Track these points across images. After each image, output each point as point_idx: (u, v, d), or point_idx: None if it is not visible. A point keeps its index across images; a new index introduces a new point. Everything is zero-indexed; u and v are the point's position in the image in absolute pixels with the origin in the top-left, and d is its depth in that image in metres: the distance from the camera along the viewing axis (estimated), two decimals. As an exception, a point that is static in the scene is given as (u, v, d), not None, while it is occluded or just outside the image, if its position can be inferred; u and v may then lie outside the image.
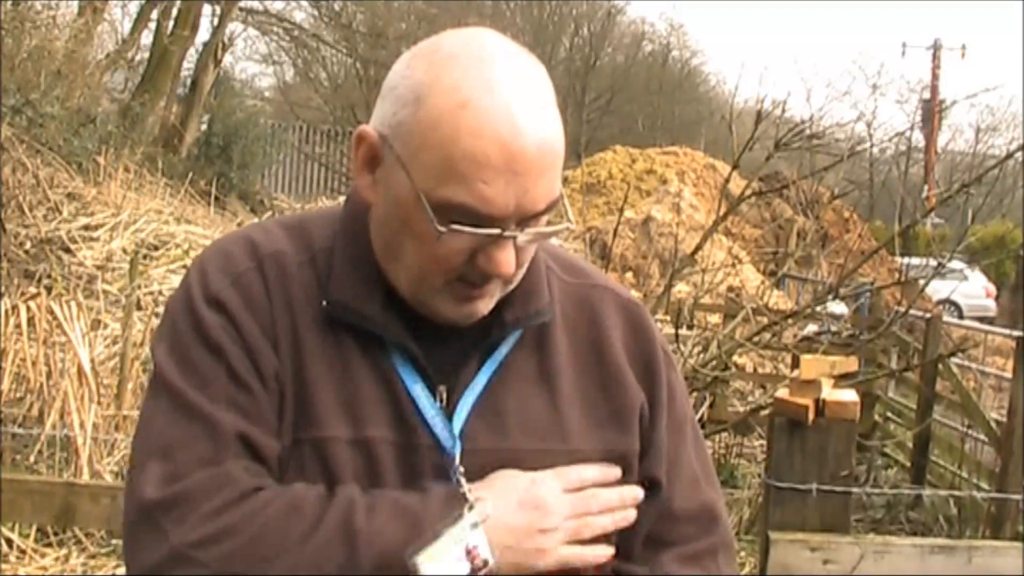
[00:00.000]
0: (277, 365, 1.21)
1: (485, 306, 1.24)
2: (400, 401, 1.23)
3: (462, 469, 1.23)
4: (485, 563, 1.22)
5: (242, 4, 19.57)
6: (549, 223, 1.24)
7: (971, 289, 22.55)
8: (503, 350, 1.28)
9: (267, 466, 1.19)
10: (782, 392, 2.60)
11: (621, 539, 1.31)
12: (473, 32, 1.22)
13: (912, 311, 7.54)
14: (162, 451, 1.19)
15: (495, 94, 1.14)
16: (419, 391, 1.24)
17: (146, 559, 1.17)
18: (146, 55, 17.27)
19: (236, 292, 1.23)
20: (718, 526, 1.37)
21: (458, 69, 1.15)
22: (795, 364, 5.79)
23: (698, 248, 6.49)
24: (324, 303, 1.24)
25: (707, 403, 9.21)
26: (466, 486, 1.22)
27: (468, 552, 1.23)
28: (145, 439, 1.22)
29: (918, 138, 32.66)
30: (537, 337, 1.30)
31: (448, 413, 1.24)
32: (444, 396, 1.25)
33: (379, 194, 1.22)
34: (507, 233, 1.17)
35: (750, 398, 9.95)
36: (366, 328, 1.23)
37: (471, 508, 1.21)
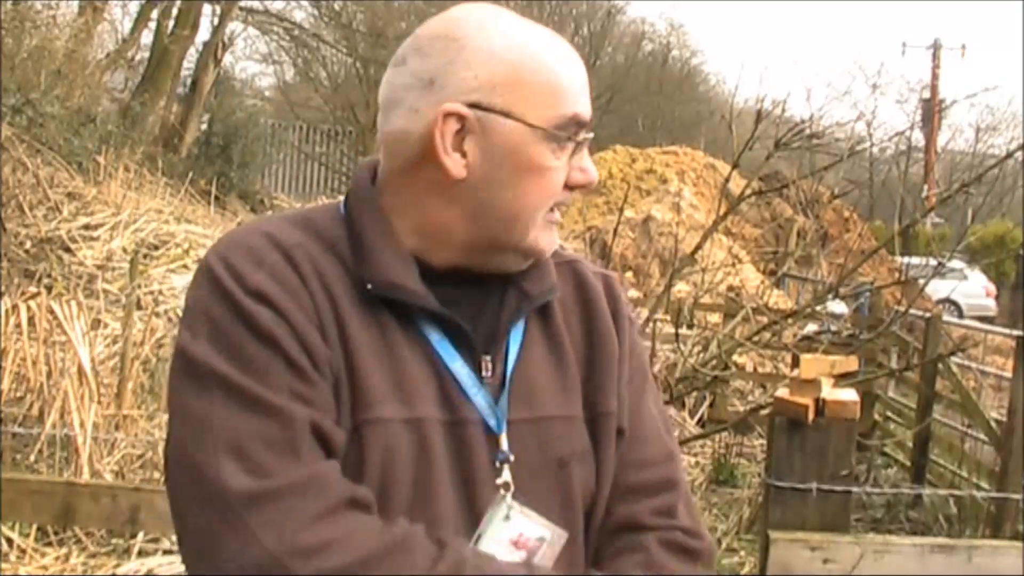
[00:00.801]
0: (328, 352, 1.21)
1: (556, 237, 1.35)
2: (443, 378, 1.26)
3: (506, 446, 1.27)
4: (542, 540, 1.27)
5: (242, 4, 19.57)
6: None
7: (971, 289, 22.54)
8: (521, 323, 1.34)
9: (336, 456, 1.19)
10: (782, 392, 2.60)
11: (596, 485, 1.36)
12: (458, 9, 1.32)
13: (912, 311, 7.55)
14: (234, 447, 1.15)
15: (539, 35, 1.31)
16: (459, 367, 1.27)
17: (236, 561, 1.12)
18: (146, 55, 17.27)
19: (275, 283, 1.22)
20: (679, 475, 1.42)
21: (508, 26, 1.29)
22: (795, 364, 5.80)
23: (698, 248, 6.49)
24: (368, 286, 1.25)
25: (707, 403, 9.23)
26: (505, 475, 1.26)
27: (515, 543, 1.26)
28: (205, 437, 1.16)
29: (918, 138, 32.68)
30: (540, 309, 1.37)
31: (495, 386, 1.29)
32: (491, 368, 1.30)
33: (474, 163, 1.27)
34: (587, 137, 1.31)
35: (750, 398, 9.96)
36: (412, 305, 1.27)
37: (500, 502, 1.26)
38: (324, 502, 1.14)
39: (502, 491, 1.26)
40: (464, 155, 1.26)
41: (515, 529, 1.26)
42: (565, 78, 1.29)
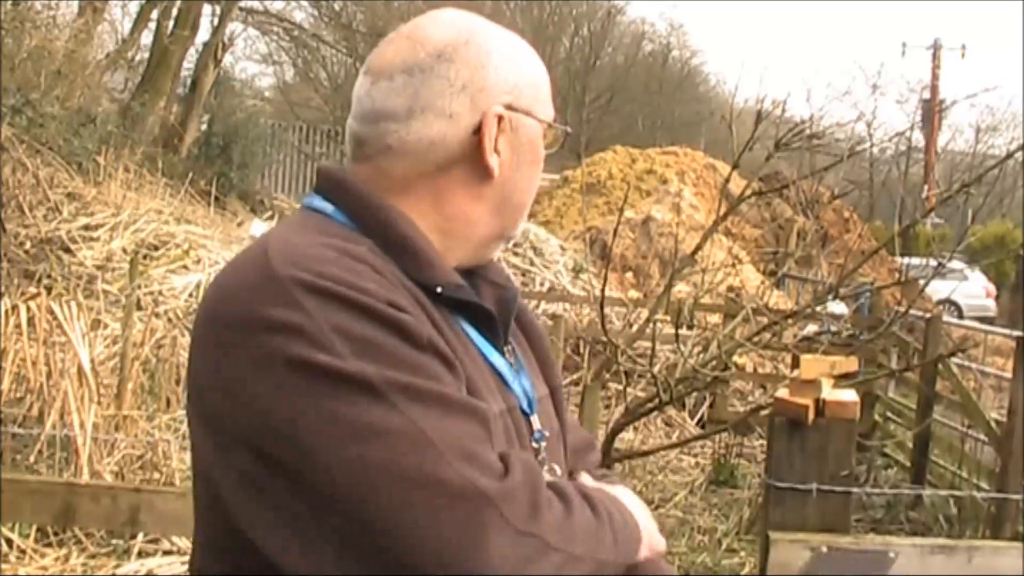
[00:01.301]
0: (451, 354, 1.22)
1: None
2: (488, 371, 1.33)
3: (539, 425, 1.39)
4: None
5: (242, 4, 19.58)
6: None
7: (971, 289, 22.55)
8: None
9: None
10: (782, 392, 2.60)
11: None
12: (454, 16, 1.39)
13: (912, 311, 7.54)
14: (462, 451, 1.12)
15: (510, 36, 1.42)
16: (497, 359, 1.35)
17: (505, 554, 1.11)
18: (146, 55, 17.29)
19: (390, 291, 1.19)
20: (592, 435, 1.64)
21: (499, 32, 1.41)
22: (795, 364, 5.79)
23: (698, 248, 6.48)
24: (438, 290, 1.27)
25: (707, 403, 9.24)
26: (543, 452, 1.37)
27: None
28: (427, 448, 1.11)
29: (918, 138, 32.64)
30: None
31: (520, 371, 1.40)
32: (514, 357, 1.40)
33: (504, 161, 1.36)
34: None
35: (750, 398, 9.96)
36: (469, 304, 1.32)
37: (552, 476, 1.34)
38: (543, 482, 1.20)
39: (545, 467, 1.36)
40: (499, 154, 1.35)
41: None
42: (542, 78, 1.44)
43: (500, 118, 1.34)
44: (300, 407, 1.11)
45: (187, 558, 5.26)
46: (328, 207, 1.32)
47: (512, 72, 1.37)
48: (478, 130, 1.32)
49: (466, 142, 1.32)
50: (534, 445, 1.36)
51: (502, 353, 1.37)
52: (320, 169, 1.41)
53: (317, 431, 1.10)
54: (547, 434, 1.39)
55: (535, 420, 1.38)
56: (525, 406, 1.37)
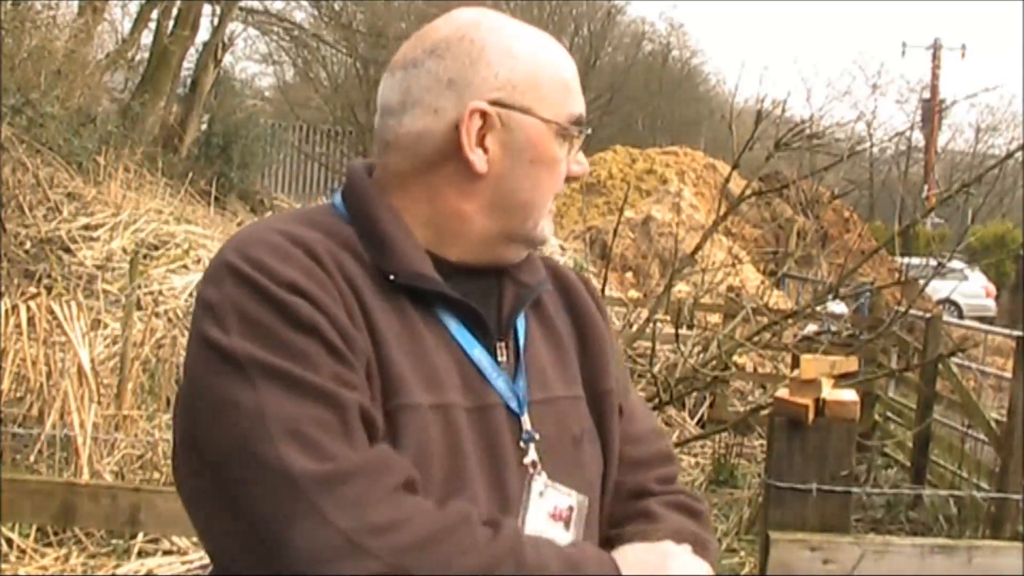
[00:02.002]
0: (361, 340, 1.24)
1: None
2: (464, 366, 1.32)
3: (529, 426, 1.34)
4: (571, 508, 1.35)
5: (242, 4, 19.57)
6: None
7: (971, 289, 22.54)
8: (523, 312, 1.42)
9: (378, 437, 1.22)
10: (782, 392, 2.60)
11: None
12: (461, 13, 1.38)
13: (912, 311, 7.54)
14: (292, 432, 1.16)
15: (538, 37, 1.41)
16: (478, 354, 1.33)
17: (310, 543, 1.14)
18: (146, 55, 17.27)
19: (304, 276, 1.24)
20: (671, 448, 1.57)
21: (504, 27, 1.37)
22: (795, 364, 5.80)
23: (698, 248, 6.49)
24: (391, 277, 1.30)
25: (707, 403, 9.23)
26: (532, 454, 1.33)
27: (553, 515, 1.34)
28: (261, 426, 1.16)
29: (918, 138, 32.65)
30: (533, 300, 1.45)
31: (511, 370, 1.36)
32: (506, 353, 1.36)
33: (494, 158, 1.34)
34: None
35: (750, 398, 9.95)
36: (434, 294, 1.32)
37: (534, 480, 1.33)
38: (389, 482, 1.17)
39: (530, 469, 1.33)
40: (486, 151, 1.33)
41: (550, 503, 1.34)
42: (571, 79, 1.39)
43: (484, 114, 1.32)
44: (199, 380, 1.23)
45: (187, 558, 5.24)
46: (337, 198, 1.40)
47: (506, 67, 1.34)
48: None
49: (449, 137, 1.32)
50: (521, 445, 1.33)
51: (490, 349, 1.34)
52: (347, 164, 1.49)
53: (202, 403, 1.22)
54: (538, 437, 1.34)
55: (525, 420, 1.34)
56: (513, 405, 1.34)
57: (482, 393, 1.32)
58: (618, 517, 1.44)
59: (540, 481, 1.33)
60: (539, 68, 1.36)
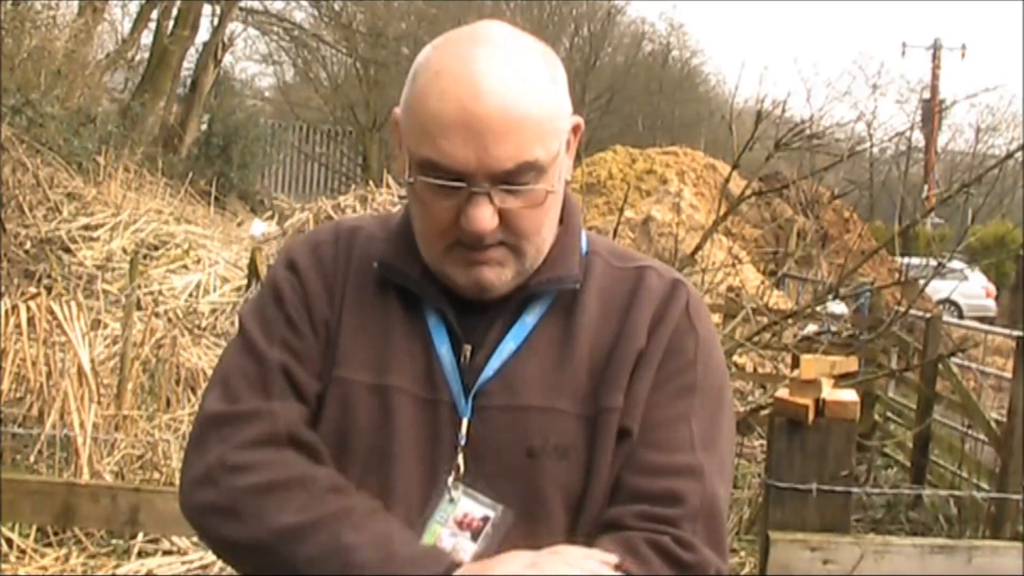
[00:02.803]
0: (329, 315, 1.38)
1: (496, 275, 1.33)
2: (430, 359, 1.35)
3: (464, 430, 1.32)
4: (486, 519, 1.31)
5: (242, 4, 19.59)
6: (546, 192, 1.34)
7: (971, 289, 22.53)
8: (531, 317, 1.37)
9: (305, 400, 1.35)
10: (782, 392, 2.60)
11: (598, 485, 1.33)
12: (483, 22, 1.37)
13: (912, 311, 7.54)
14: (223, 379, 1.37)
15: (467, 63, 1.29)
16: (444, 351, 1.36)
17: (192, 469, 1.34)
18: (146, 55, 17.29)
19: (310, 256, 1.41)
20: (689, 492, 1.31)
21: (449, 48, 1.32)
22: (795, 364, 5.79)
23: (698, 248, 6.49)
24: (375, 264, 1.39)
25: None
26: (458, 458, 1.32)
27: (460, 523, 1.30)
28: (215, 371, 1.41)
29: (918, 138, 32.61)
30: (567, 306, 1.38)
31: (471, 373, 1.34)
32: (468, 355, 1.35)
33: (403, 170, 1.37)
34: (475, 189, 1.28)
35: (750, 398, 9.95)
36: (408, 289, 1.38)
37: (448, 484, 1.31)
38: (264, 431, 1.31)
39: (451, 472, 1.32)
40: (413, 183, 1.35)
41: (460, 510, 1.32)
42: (435, 118, 1.28)
43: (395, 122, 1.36)
44: None
45: (187, 558, 5.23)
46: None
47: (407, 89, 1.33)
48: None
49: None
50: (458, 443, 1.32)
51: (454, 347, 1.35)
52: None
53: None
54: (469, 442, 1.31)
55: (464, 424, 1.32)
56: (461, 404, 1.33)
57: (437, 387, 1.34)
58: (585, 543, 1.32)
59: (450, 486, 1.31)
60: (414, 99, 1.30)
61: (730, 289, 9.94)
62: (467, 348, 1.35)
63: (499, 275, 1.33)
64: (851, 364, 3.01)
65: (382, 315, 1.37)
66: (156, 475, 5.54)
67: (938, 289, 13.27)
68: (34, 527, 4.89)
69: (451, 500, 1.31)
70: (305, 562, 1.24)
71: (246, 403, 1.33)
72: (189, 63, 18.17)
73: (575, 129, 1.39)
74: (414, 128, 1.30)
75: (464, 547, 1.30)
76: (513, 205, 1.30)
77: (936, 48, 36.05)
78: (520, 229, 1.32)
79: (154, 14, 16.84)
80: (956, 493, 6.39)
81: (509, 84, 1.28)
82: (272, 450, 1.30)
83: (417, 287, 1.37)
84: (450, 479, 1.32)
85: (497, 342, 1.35)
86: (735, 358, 7.63)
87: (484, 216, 1.28)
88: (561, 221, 1.41)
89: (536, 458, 1.31)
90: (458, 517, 1.31)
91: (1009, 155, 8.39)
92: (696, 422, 1.35)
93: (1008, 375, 6.96)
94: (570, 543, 1.29)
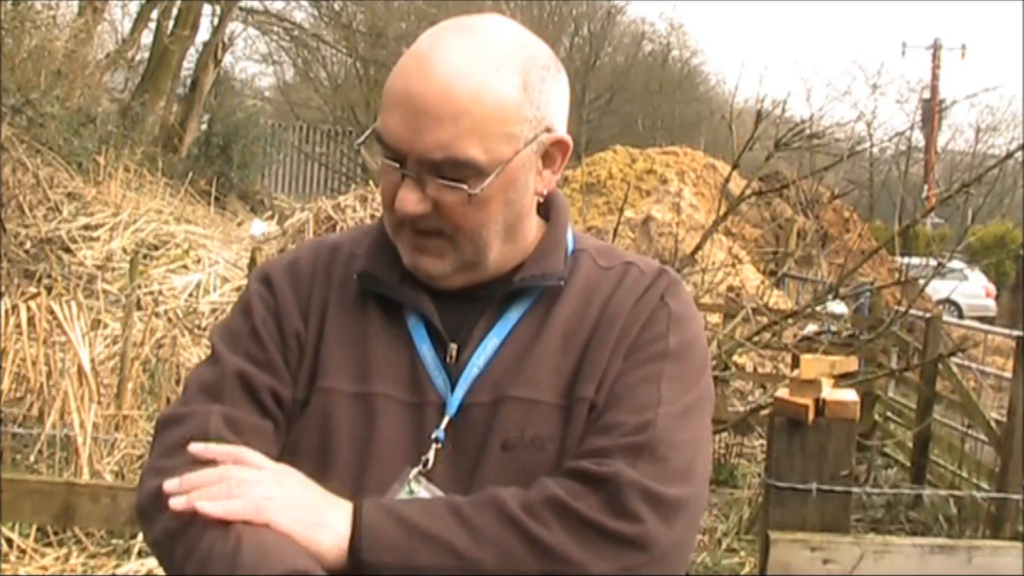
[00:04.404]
0: (301, 329, 1.38)
1: (433, 264, 1.34)
2: (413, 362, 1.35)
3: (443, 426, 1.31)
4: None
5: (242, 4, 19.58)
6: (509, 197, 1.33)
7: (971, 289, 22.54)
8: (514, 313, 1.37)
9: (263, 406, 1.34)
10: (782, 392, 2.60)
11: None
12: (486, 15, 1.35)
13: (912, 311, 7.54)
14: (183, 388, 1.40)
15: (434, 46, 1.28)
16: (426, 351, 1.35)
17: (144, 468, 1.36)
18: (146, 55, 17.29)
19: (286, 272, 1.42)
20: (648, 430, 1.26)
21: (435, 30, 1.31)
22: (795, 364, 5.79)
23: (698, 248, 6.49)
24: (354, 276, 1.39)
25: (707, 403, 9.20)
26: (431, 453, 1.31)
27: None
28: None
29: (918, 138, 32.61)
30: (550, 302, 1.37)
31: (456, 370, 1.34)
32: (454, 354, 1.35)
33: None
34: (404, 171, 1.28)
35: (750, 398, 9.95)
36: (386, 295, 1.37)
37: (410, 477, 1.30)
38: (190, 432, 1.30)
39: (409, 467, 1.30)
40: None
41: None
42: (388, 91, 1.29)
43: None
44: None
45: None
46: None
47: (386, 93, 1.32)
48: None
49: None
50: (433, 438, 1.31)
51: (441, 349, 1.34)
52: None
53: None
54: (437, 437, 1.30)
55: (444, 421, 1.31)
56: (448, 403, 1.32)
57: (423, 390, 1.34)
58: None
59: (415, 480, 1.29)
60: (390, 77, 1.31)
61: (730, 289, 9.94)
62: (453, 347, 1.34)
63: (436, 265, 1.33)
64: (851, 364, 3.01)
65: (363, 325, 1.37)
66: (156, 475, 5.52)
67: (938, 289, 13.28)
68: (34, 527, 4.89)
69: (410, 492, 1.29)
70: (181, 565, 1.22)
71: (190, 407, 1.34)
72: (189, 63, 18.18)
73: (558, 145, 1.35)
74: (384, 100, 1.31)
75: None
76: (447, 198, 1.29)
77: (936, 48, 36.05)
78: (455, 223, 1.30)
79: (154, 14, 16.84)
80: (956, 493, 6.39)
81: (461, 74, 1.25)
82: (183, 450, 1.29)
83: (396, 292, 1.36)
84: (413, 471, 1.29)
85: (481, 339, 1.35)
86: (735, 358, 7.62)
87: (409, 199, 1.28)
88: (548, 219, 1.42)
89: (511, 451, 1.29)
90: None
91: (1009, 155, 8.39)
92: (666, 385, 1.30)
93: (1008, 375, 6.96)
94: None
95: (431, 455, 1.31)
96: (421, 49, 1.28)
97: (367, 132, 1.38)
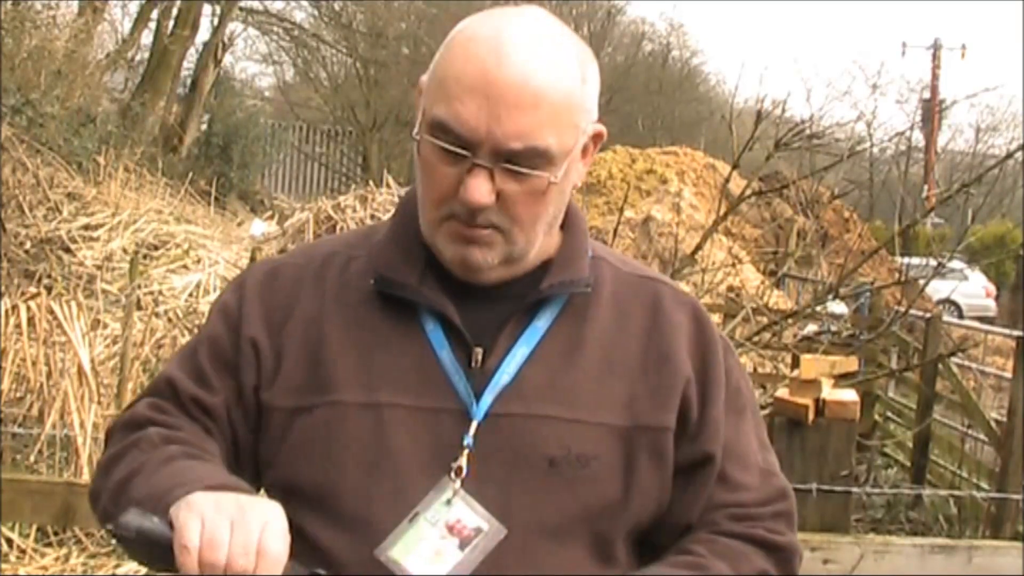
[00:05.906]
0: (259, 336, 1.34)
1: (483, 255, 1.29)
2: (429, 368, 1.30)
3: (472, 434, 1.27)
4: (478, 530, 1.25)
5: (242, 4, 19.59)
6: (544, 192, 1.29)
7: (971, 289, 22.52)
8: (543, 321, 1.33)
9: (182, 405, 1.35)
10: (782, 392, 2.61)
11: (678, 514, 1.35)
12: (528, 5, 1.33)
13: (912, 311, 7.54)
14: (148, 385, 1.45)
15: (501, 32, 1.24)
16: (445, 356, 1.30)
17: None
18: (146, 55, 17.30)
19: (263, 279, 1.39)
20: (782, 495, 1.40)
21: (489, 18, 1.28)
22: (795, 364, 5.79)
23: (698, 248, 6.49)
24: (372, 281, 1.33)
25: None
26: (462, 461, 1.27)
27: (450, 528, 1.25)
28: None
29: (918, 138, 32.61)
30: (579, 311, 1.35)
31: (481, 376, 1.29)
32: (480, 359, 1.30)
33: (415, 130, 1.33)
34: (477, 161, 1.23)
35: (750, 398, 9.93)
36: (404, 297, 1.32)
37: (446, 485, 1.26)
38: (129, 436, 1.33)
39: (451, 476, 1.27)
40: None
41: (454, 515, 1.26)
42: (456, 78, 1.24)
43: (419, 89, 1.31)
44: None
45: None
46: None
47: (437, 57, 1.29)
48: None
49: None
50: (464, 445, 1.28)
51: (464, 353, 1.30)
52: None
53: None
54: (469, 443, 1.27)
55: (472, 427, 1.27)
56: (471, 411, 1.28)
57: (440, 395, 1.29)
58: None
59: (451, 489, 1.26)
60: (444, 58, 1.26)
61: (730, 289, 9.94)
62: (478, 351, 1.30)
63: (485, 256, 1.29)
64: (851, 364, 3.02)
65: (370, 333, 1.32)
66: (156, 475, 5.52)
67: (938, 289, 13.26)
68: (34, 527, 4.89)
69: (447, 502, 1.26)
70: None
71: (132, 410, 1.39)
72: (189, 63, 18.19)
73: (596, 137, 1.35)
74: (435, 87, 1.26)
75: (448, 553, 1.25)
76: (513, 189, 1.26)
77: (936, 48, 36.03)
78: (515, 215, 1.27)
79: (154, 14, 16.84)
80: (956, 493, 6.40)
81: (536, 61, 1.23)
82: (129, 449, 1.33)
83: (413, 294, 1.31)
84: (456, 482, 1.26)
85: (508, 347, 1.31)
86: (735, 358, 7.62)
87: (481, 190, 1.24)
88: (563, 226, 1.38)
89: (557, 467, 1.28)
90: (450, 521, 1.26)
91: (1009, 155, 8.40)
92: (753, 433, 1.41)
93: (1008, 375, 6.97)
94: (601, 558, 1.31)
95: (463, 461, 1.27)
96: (492, 37, 1.24)
97: (419, 122, 1.28)
